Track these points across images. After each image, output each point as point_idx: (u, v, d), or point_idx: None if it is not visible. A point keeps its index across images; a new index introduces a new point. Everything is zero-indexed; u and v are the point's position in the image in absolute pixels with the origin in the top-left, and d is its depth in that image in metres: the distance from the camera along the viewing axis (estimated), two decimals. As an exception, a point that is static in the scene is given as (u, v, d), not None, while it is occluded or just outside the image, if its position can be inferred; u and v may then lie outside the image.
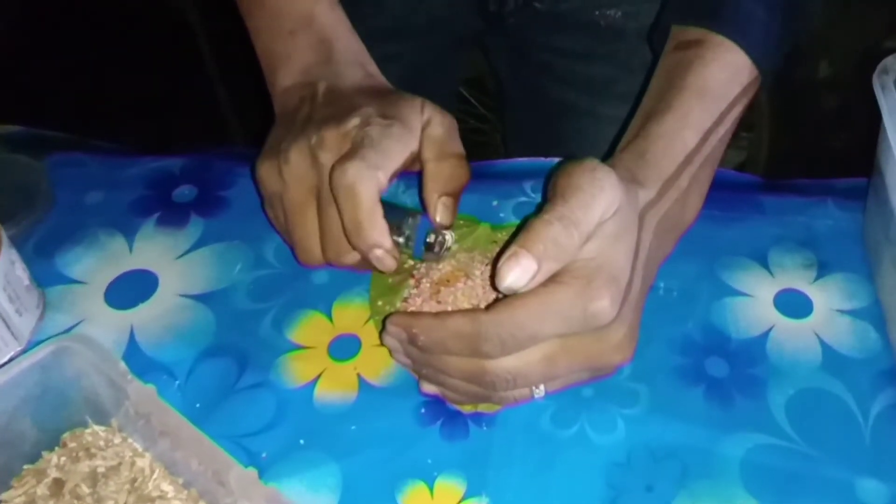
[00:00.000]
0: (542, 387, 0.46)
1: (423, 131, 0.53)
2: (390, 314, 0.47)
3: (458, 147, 0.53)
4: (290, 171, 0.51)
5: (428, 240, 0.52)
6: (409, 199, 0.62)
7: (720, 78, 0.52)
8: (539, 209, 0.43)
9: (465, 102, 1.46)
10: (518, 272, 0.41)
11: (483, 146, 1.49)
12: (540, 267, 0.42)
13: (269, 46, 0.59)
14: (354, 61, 0.59)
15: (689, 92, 0.52)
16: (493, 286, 0.45)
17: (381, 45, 0.78)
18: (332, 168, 0.49)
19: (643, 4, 0.76)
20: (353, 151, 0.49)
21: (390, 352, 0.49)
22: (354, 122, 0.51)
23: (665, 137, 0.50)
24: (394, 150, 0.50)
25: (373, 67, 0.60)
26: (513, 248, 0.42)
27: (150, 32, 1.67)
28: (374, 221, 0.48)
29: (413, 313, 0.49)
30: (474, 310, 0.45)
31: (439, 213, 0.51)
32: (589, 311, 0.42)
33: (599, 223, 0.43)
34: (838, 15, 1.29)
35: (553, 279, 0.43)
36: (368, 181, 0.48)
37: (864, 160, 0.55)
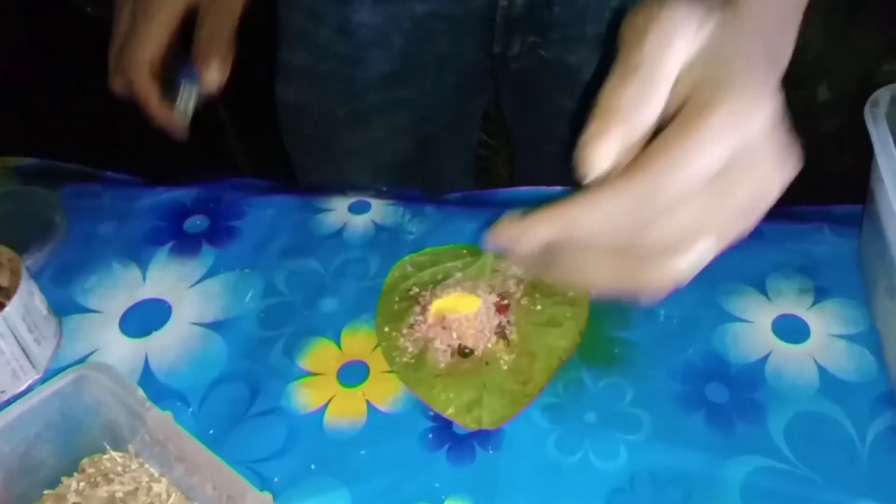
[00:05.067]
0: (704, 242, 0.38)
1: None
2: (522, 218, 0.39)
3: None
4: None
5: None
6: (414, 226, 0.64)
7: None
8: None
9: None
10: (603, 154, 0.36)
11: (485, 171, 1.51)
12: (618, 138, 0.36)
13: None
14: None
15: None
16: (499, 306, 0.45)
17: (389, 89, 0.78)
18: None
19: None
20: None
21: (514, 261, 0.44)
22: None
23: None
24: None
25: None
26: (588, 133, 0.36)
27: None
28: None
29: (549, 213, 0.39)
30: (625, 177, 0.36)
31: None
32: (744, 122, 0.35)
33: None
34: (837, 39, 1.31)
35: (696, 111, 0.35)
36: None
37: (864, 183, 0.56)
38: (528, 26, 0.76)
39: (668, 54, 0.36)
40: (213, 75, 0.63)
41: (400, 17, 0.75)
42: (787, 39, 0.44)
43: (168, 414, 0.45)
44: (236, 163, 1.62)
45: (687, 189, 0.35)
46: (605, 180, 0.36)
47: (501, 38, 0.78)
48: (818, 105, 1.47)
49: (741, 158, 0.36)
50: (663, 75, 0.36)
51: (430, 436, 0.51)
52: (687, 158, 0.35)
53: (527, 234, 0.39)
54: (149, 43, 0.63)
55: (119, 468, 0.46)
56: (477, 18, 0.76)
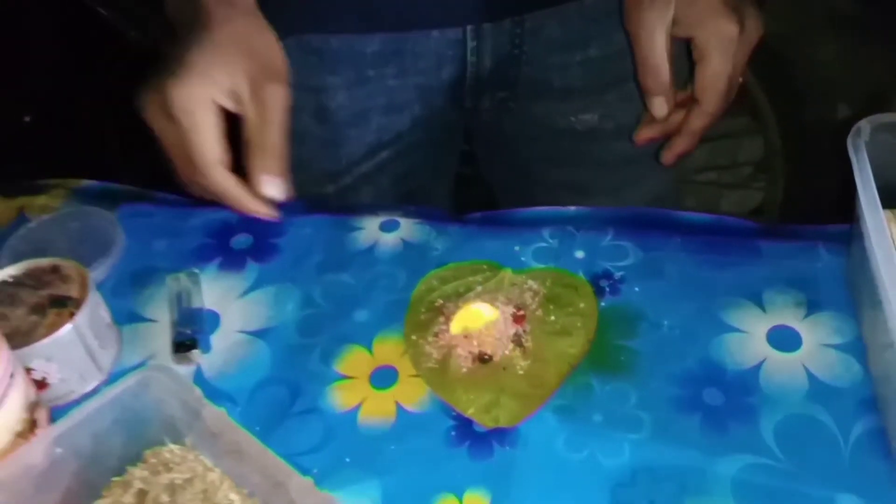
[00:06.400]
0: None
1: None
2: None
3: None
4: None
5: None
6: (439, 244, 0.69)
7: None
8: None
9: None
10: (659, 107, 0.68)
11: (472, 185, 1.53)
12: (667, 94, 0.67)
13: None
14: None
15: None
16: (515, 319, 0.53)
17: (371, 158, 0.81)
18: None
19: (620, 107, 0.80)
20: None
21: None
22: None
23: None
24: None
25: None
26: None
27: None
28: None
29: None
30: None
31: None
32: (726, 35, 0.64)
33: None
34: (854, 58, 1.35)
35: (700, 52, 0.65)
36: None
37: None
38: (496, 84, 0.79)
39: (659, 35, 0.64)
40: (277, 193, 0.59)
41: (375, 95, 0.78)
42: None
43: (222, 409, 0.50)
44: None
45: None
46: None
47: (471, 95, 0.80)
48: (838, 123, 1.50)
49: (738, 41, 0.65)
50: (662, 50, 0.65)
51: (453, 433, 0.56)
52: (722, 78, 0.66)
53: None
54: (209, 144, 0.58)
55: (178, 459, 0.52)
56: (448, 83, 0.78)
